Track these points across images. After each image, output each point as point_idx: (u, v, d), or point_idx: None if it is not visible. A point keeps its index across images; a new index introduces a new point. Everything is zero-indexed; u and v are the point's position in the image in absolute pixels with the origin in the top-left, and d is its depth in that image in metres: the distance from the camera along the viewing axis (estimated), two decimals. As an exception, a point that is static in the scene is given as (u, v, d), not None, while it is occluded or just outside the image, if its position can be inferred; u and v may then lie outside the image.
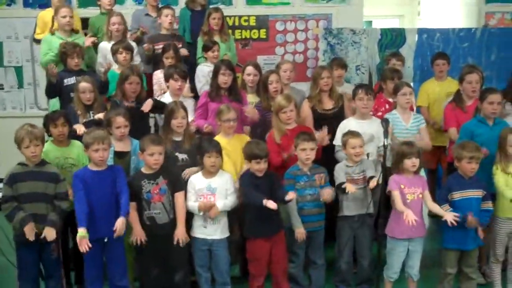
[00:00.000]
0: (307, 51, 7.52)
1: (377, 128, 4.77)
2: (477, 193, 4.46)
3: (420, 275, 4.63)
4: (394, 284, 4.63)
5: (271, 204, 4.22)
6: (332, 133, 4.99)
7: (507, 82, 5.59)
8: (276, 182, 4.46)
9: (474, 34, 6.93)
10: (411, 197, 4.43)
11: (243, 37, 7.35)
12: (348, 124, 5.00)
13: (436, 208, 4.46)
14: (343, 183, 4.52)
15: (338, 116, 5.31)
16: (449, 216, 4.29)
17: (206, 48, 5.92)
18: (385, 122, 4.32)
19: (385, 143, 4.22)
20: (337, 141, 4.95)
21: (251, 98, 5.54)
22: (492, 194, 4.56)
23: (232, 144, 4.81)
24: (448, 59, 6.13)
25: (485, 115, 4.86)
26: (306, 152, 4.54)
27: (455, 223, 4.27)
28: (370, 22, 12.13)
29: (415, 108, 6.12)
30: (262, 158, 4.38)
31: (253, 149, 4.42)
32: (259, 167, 4.39)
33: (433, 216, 6.20)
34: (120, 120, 4.64)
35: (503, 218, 4.61)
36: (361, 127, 4.88)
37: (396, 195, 4.37)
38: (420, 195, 4.47)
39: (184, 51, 6.05)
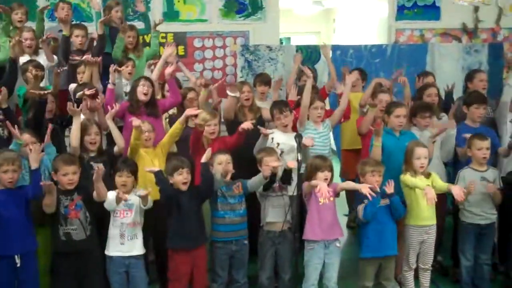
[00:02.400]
0: (226, 68, 7.59)
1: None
2: (384, 202, 4.62)
3: (338, 287, 4.72)
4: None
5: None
6: (250, 143, 5.07)
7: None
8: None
9: (385, 50, 7.22)
10: (323, 200, 4.53)
11: (161, 54, 7.31)
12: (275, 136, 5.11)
13: (350, 184, 4.64)
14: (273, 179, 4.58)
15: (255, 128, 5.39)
16: (365, 189, 4.36)
17: (120, 64, 5.89)
18: (298, 138, 4.41)
19: (299, 158, 4.31)
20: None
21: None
22: (402, 202, 4.75)
23: (150, 157, 4.83)
24: (363, 74, 6.36)
25: (392, 127, 5.07)
26: (222, 166, 4.58)
27: (373, 194, 4.35)
28: (289, 39, 12.42)
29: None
30: (184, 168, 4.41)
31: (173, 160, 4.45)
32: (183, 177, 4.40)
33: (351, 227, 6.43)
34: (25, 137, 4.52)
35: (414, 226, 4.77)
36: (282, 137, 5.06)
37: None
38: (332, 198, 4.58)
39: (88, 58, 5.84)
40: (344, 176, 6.28)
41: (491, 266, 5.11)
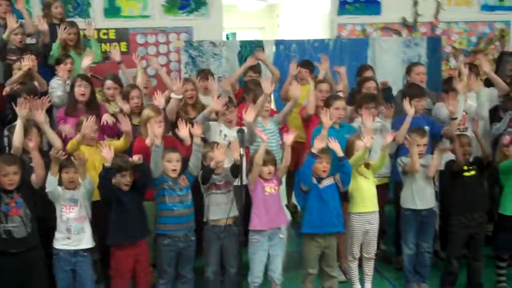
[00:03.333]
0: (170, 64, 7.53)
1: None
2: (329, 181, 4.72)
3: (283, 278, 4.79)
4: (259, 289, 4.75)
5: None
6: None
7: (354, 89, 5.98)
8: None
9: (327, 45, 7.29)
10: (269, 190, 4.64)
11: (103, 50, 7.21)
12: (218, 125, 5.22)
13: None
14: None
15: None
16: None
17: (58, 62, 5.77)
18: (240, 132, 4.43)
19: (241, 153, 4.32)
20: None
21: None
22: (345, 193, 4.84)
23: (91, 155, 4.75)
24: (311, 66, 6.38)
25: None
26: (172, 164, 4.55)
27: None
28: (234, 34, 12.44)
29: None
30: (128, 171, 4.35)
31: (117, 161, 4.38)
32: (126, 180, 4.36)
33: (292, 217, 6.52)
34: None
35: (357, 213, 4.87)
36: (230, 130, 5.12)
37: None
38: (276, 187, 4.68)
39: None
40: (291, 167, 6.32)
41: (433, 253, 5.27)
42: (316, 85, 5.62)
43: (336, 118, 5.16)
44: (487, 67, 5.92)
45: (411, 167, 4.87)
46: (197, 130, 4.64)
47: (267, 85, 5.09)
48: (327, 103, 5.22)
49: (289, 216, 6.15)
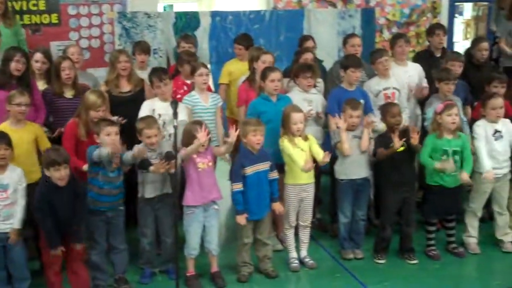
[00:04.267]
0: (103, 36, 7.32)
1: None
2: (265, 166, 4.75)
3: (220, 249, 4.84)
4: (196, 261, 4.78)
5: None
6: (130, 115, 4.97)
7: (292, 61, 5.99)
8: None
9: (263, 16, 7.25)
10: (203, 166, 4.63)
11: (33, 22, 6.94)
12: (152, 103, 5.10)
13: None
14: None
15: (135, 100, 5.32)
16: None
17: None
18: (173, 104, 4.39)
19: (175, 124, 4.28)
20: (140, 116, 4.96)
21: (41, 86, 5.32)
22: (280, 165, 4.89)
23: (20, 135, 4.57)
24: (246, 43, 6.29)
25: (268, 92, 5.17)
26: (111, 137, 4.44)
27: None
28: (171, 6, 12.22)
29: (213, 88, 6.35)
30: (62, 164, 4.17)
31: (51, 155, 4.19)
32: (60, 174, 4.17)
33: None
34: None
35: (291, 184, 4.94)
36: (164, 107, 4.98)
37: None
38: (210, 163, 4.69)
39: None
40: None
41: (367, 220, 5.42)
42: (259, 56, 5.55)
43: (273, 90, 5.17)
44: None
45: (340, 148, 4.99)
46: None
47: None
48: (263, 75, 5.21)
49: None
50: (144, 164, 4.56)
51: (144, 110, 5.04)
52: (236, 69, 6.20)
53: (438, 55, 6.31)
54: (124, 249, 4.70)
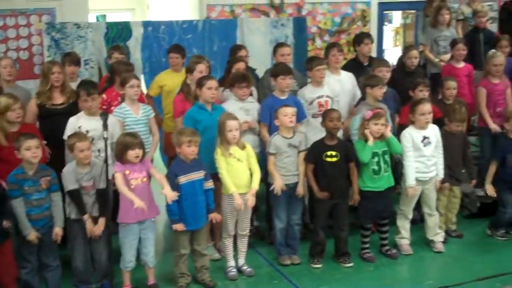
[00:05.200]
0: (32, 47, 7.18)
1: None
2: (199, 175, 4.73)
3: (156, 261, 4.78)
4: (133, 274, 4.71)
5: None
6: (64, 128, 4.91)
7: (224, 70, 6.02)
8: None
9: (196, 26, 7.25)
10: (136, 182, 4.55)
11: (-44, 33, 6.74)
12: (77, 119, 4.95)
13: (163, 181, 4.62)
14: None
15: (69, 112, 5.19)
16: (170, 195, 4.53)
17: None
18: (103, 116, 4.32)
19: (105, 136, 4.21)
20: (66, 136, 4.84)
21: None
22: (216, 174, 4.89)
23: None
24: (181, 52, 6.31)
25: (205, 100, 5.16)
26: (32, 151, 4.34)
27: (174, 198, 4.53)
28: (104, 16, 12.08)
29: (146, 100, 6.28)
30: None
31: None
32: None
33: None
34: None
35: (227, 195, 4.94)
36: (91, 123, 4.88)
37: (118, 177, 4.46)
38: (145, 179, 4.61)
39: None
40: (166, 153, 6.30)
41: (304, 226, 5.49)
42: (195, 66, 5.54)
43: (209, 98, 5.15)
44: None
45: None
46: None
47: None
48: (200, 83, 5.19)
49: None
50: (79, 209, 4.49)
51: (70, 128, 4.90)
52: (170, 81, 6.16)
53: (366, 63, 6.47)
54: (57, 266, 4.59)
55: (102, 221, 4.52)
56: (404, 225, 5.45)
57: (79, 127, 4.87)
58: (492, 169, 5.63)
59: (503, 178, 5.61)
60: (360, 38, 6.63)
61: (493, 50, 6.44)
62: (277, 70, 5.56)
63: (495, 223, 5.74)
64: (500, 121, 6.03)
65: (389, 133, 5.15)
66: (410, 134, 5.29)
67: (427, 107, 5.29)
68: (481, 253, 5.43)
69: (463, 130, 5.68)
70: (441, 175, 5.38)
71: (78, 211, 4.50)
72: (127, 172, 4.50)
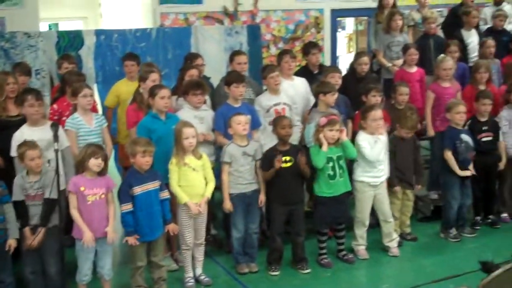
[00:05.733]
0: (-19, 58, 6.99)
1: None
2: (154, 185, 4.68)
3: (113, 273, 4.71)
4: (89, 287, 4.63)
5: None
6: None
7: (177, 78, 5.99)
8: None
9: (150, 34, 7.20)
10: (93, 198, 4.48)
11: None
12: (21, 133, 4.81)
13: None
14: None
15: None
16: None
17: None
18: (54, 127, 4.24)
19: (56, 147, 4.13)
20: (13, 152, 4.72)
21: None
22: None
23: None
24: (137, 59, 6.26)
25: (158, 110, 5.12)
26: None
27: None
28: (57, 25, 11.90)
29: (100, 110, 6.21)
30: None
31: None
32: None
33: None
34: None
35: (181, 205, 4.89)
36: (36, 134, 4.75)
37: (71, 200, 4.39)
38: (103, 196, 4.54)
39: None
40: (121, 163, 6.21)
41: (261, 233, 5.48)
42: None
43: (163, 107, 5.11)
44: None
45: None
46: None
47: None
48: (152, 93, 5.14)
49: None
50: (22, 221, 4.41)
51: (15, 144, 4.69)
52: (125, 90, 6.07)
53: (316, 71, 6.54)
54: (10, 283, 4.49)
55: (42, 231, 4.41)
56: (361, 233, 5.49)
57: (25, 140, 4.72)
58: (449, 156, 5.72)
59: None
60: (308, 48, 6.69)
61: (442, 55, 6.59)
62: (230, 78, 5.57)
63: (445, 223, 5.89)
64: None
65: (345, 137, 5.20)
66: (364, 139, 5.34)
67: (378, 113, 5.37)
68: (435, 255, 5.52)
69: (413, 135, 5.78)
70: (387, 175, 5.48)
71: (20, 223, 4.40)
72: (82, 188, 4.43)
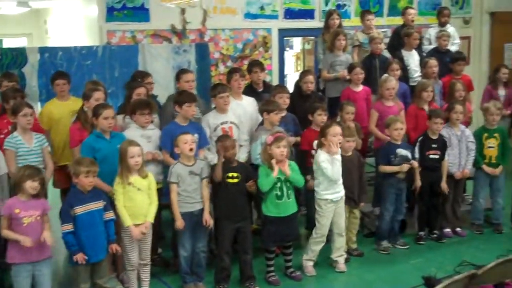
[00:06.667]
0: None
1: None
2: (98, 205, 4.61)
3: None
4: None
5: None
6: None
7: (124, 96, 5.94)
8: None
9: (96, 52, 7.11)
10: (28, 220, 4.36)
11: None
12: None
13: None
14: None
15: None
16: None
17: None
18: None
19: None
20: None
21: None
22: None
23: None
24: (68, 78, 6.15)
25: (102, 130, 5.06)
26: None
27: None
28: (1, 41, 11.67)
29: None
30: None
31: None
32: None
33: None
34: None
35: (125, 228, 4.83)
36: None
37: (3, 222, 4.30)
38: (39, 218, 4.43)
39: None
40: (56, 186, 6.07)
41: (210, 251, 5.45)
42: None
43: (106, 127, 5.06)
44: None
45: None
46: None
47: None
48: (96, 112, 5.09)
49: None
50: None
51: None
52: (57, 111, 5.97)
53: (260, 89, 6.59)
54: None
55: None
56: (315, 248, 5.53)
57: None
58: (384, 168, 5.90)
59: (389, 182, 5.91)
60: (250, 67, 6.77)
61: (386, 75, 6.75)
62: (183, 98, 5.51)
63: (378, 235, 6.06)
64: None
65: (288, 172, 5.22)
66: (324, 156, 5.35)
67: (338, 128, 5.41)
68: (380, 270, 5.61)
69: (358, 153, 5.88)
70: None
71: None
72: (17, 211, 4.32)
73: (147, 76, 6.33)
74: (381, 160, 5.97)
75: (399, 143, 5.96)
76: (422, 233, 6.24)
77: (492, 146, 6.37)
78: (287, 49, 11.19)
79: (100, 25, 7.96)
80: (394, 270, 5.61)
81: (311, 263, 5.55)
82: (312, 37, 9.91)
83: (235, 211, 5.14)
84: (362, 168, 5.91)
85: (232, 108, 5.89)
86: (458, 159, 6.28)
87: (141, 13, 8.13)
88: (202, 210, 5.12)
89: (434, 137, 6.14)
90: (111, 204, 4.77)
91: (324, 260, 5.66)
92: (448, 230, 6.36)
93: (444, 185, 6.15)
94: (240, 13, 8.80)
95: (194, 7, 8.24)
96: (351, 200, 5.72)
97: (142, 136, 5.28)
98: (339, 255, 5.61)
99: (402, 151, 5.92)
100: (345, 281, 5.47)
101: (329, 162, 5.32)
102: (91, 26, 8.53)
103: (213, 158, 5.44)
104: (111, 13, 7.97)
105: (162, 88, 6.98)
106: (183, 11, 8.33)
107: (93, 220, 4.56)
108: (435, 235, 6.27)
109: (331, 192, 5.41)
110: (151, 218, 4.91)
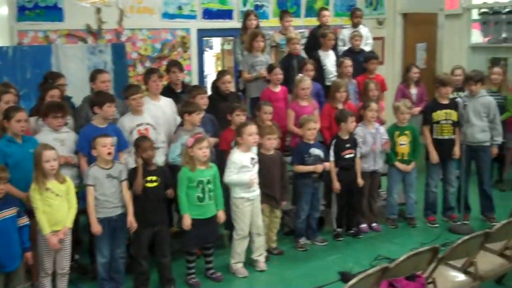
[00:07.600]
0: None
1: None
2: (11, 212, 4.46)
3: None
4: None
5: None
6: None
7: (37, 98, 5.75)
8: None
9: (6, 53, 6.87)
10: None
11: None
12: None
13: None
14: None
15: None
16: None
17: None
18: None
19: None
20: None
21: None
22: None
23: None
24: None
25: (13, 133, 4.90)
26: None
27: None
28: None
29: None
30: None
31: None
32: None
33: None
34: None
35: (43, 236, 4.69)
36: None
37: None
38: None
39: None
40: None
41: (129, 256, 5.34)
42: None
43: (19, 131, 4.89)
44: None
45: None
46: None
47: None
48: (7, 115, 4.90)
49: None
50: None
51: None
52: None
53: (179, 90, 6.57)
54: None
55: None
56: (241, 249, 5.53)
57: None
58: (299, 168, 6.03)
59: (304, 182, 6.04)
60: (168, 67, 6.73)
61: (300, 75, 6.87)
62: (103, 98, 5.39)
63: (296, 233, 6.19)
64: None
65: None
66: (239, 158, 5.40)
67: (253, 128, 5.46)
68: (300, 268, 5.69)
69: (279, 152, 5.96)
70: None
71: None
72: None
73: (59, 77, 6.17)
74: (295, 160, 6.09)
75: (312, 142, 6.09)
76: (339, 229, 6.40)
77: (403, 143, 6.60)
78: (207, 49, 11.19)
79: (11, 25, 7.69)
80: (313, 267, 5.71)
81: (241, 265, 5.56)
82: (232, 38, 9.94)
83: (152, 216, 5.08)
84: (284, 166, 5.98)
85: (149, 109, 5.83)
86: (372, 156, 6.48)
87: (54, 13, 7.93)
88: (122, 215, 5.02)
89: (346, 137, 6.30)
90: (25, 210, 4.61)
91: (246, 260, 5.69)
92: (364, 225, 6.55)
93: (360, 180, 6.33)
94: (157, 13, 8.74)
95: (110, 6, 8.13)
96: (272, 199, 5.78)
97: (55, 140, 5.14)
98: (259, 254, 5.66)
99: (315, 151, 6.05)
100: (266, 280, 5.52)
101: (238, 167, 5.37)
102: (1, 26, 8.18)
103: (133, 162, 5.35)
104: (22, 12, 7.73)
105: (77, 89, 6.78)
106: (98, 10, 8.19)
107: (6, 228, 4.40)
108: (352, 231, 6.45)
109: (247, 190, 5.44)
110: (70, 224, 4.79)
